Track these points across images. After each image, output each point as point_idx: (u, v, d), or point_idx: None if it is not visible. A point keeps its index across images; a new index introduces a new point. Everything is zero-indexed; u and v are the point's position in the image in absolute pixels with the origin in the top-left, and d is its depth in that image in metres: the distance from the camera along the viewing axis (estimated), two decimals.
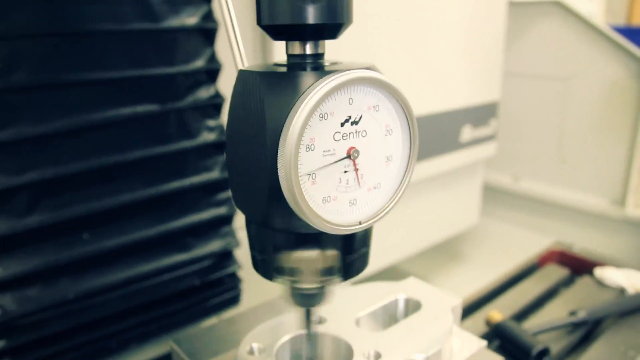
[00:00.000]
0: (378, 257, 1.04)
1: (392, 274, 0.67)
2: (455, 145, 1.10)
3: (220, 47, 0.70)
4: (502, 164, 1.53)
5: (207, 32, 0.69)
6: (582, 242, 1.06)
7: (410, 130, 0.39)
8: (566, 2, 1.33)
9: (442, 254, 1.29)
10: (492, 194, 1.53)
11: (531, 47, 1.43)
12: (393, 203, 0.40)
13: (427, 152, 1.02)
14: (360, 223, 0.38)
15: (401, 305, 0.55)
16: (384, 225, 1.01)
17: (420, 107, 0.98)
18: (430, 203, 1.13)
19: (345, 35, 0.80)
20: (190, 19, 0.67)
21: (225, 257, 0.76)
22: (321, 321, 0.50)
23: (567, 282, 0.93)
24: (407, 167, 0.39)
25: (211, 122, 0.71)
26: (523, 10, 1.40)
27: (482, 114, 1.15)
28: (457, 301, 0.53)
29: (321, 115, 0.36)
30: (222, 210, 0.73)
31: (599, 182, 1.37)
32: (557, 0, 1.35)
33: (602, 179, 1.36)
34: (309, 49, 0.39)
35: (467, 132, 1.12)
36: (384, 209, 0.39)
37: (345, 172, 0.37)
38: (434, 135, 1.03)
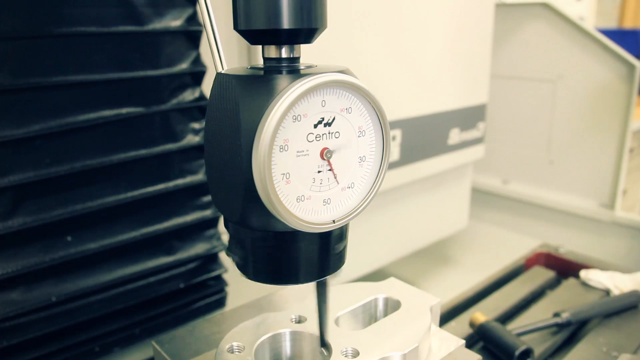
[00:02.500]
0: (367, 260, 1.04)
1: (380, 277, 0.67)
2: (444, 148, 1.10)
3: (205, 49, 0.70)
4: (491, 166, 1.54)
5: (191, 34, 0.69)
6: (572, 245, 1.06)
7: (383, 132, 0.39)
8: (554, 4, 1.35)
9: (431, 257, 1.29)
10: (482, 197, 1.54)
11: (519, 49, 1.44)
12: (367, 202, 0.40)
13: (415, 155, 1.03)
14: (334, 221, 0.39)
15: (381, 305, 0.56)
16: (372, 228, 1.02)
17: (408, 110, 0.99)
18: (419, 206, 1.14)
19: (333, 39, 0.81)
20: (175, 22, 0.67)
21: (211, 259, 0.76)
22: (301, 320, 0.51)
23: (553, 284, 0.94)
24: (380, 167, 0.40)
25: (196, 125, 0.71)
26: (511, 12, 1.42)
27: (470, 116, 1.15)
28: (436, 300, 0.54)
29: (294, 117, 0.36)
30: (207, 213, 0.73)
31: (588, 185, 1.38)
32: (545, 2, 1.36)
33: (591, 182, 1.37)
34: (284, 53, 0.40)
35: (455, 135, 1.13)
36: (358, 208, 0.40)
37: (319, 172, 0.38)
38: (422, 138, 1.04)
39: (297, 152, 0.37)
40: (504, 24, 1.38)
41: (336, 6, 0.81)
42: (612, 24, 3.12)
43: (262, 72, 0.38)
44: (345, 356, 0.46)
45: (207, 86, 0.71)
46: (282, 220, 0.37)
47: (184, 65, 0.69)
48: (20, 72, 0.57)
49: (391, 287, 0.57)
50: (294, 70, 0.38)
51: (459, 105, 1.11)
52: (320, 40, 0.41)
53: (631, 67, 1.25)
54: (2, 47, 0.55)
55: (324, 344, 0.46)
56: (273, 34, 0.38)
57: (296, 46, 0.40)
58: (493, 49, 1.18)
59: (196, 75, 0.71)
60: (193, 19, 0.68)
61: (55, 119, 0.60)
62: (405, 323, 0.50)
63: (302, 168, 0.37)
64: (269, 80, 0.36)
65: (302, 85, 0.35)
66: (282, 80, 0.36)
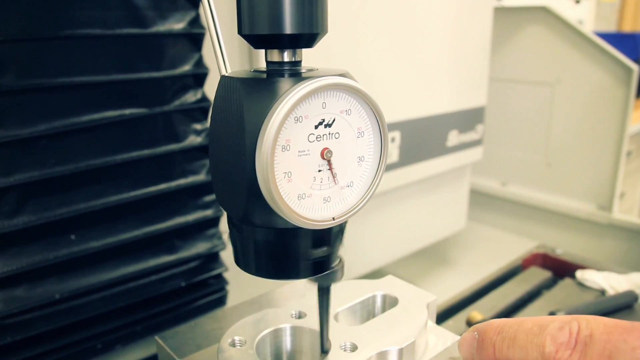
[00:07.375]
0: (366, 260, 1.05)
1: (379, 276, 0.69)
2: (442, 149, 1.12)
3: (207, 52, 0.72)
4: (489, 168, 1.55)
5: (194, 37, 0.70)
6: (570, 247, 1.07)
7: (381, 133, 0.41)
8: (553, 8, 1.36)
9: (430, 257, 1.30)
10: (480, 199, 1.55)
11: (518, 53, 1.45)
12: (365, 200, 0.41)
13: (414, 157, 1.04)
14: (334, 219, 0.40)
15: (379, 301, 0.57)
16: (372, 229, 1.03)
17: (408, 112, 1.00)
18: (417, 207, 1.15)
19: (335, 42, 0.82)
20: (178, 25, 0.68)
21: (212, 258, 0.77)
22: (301, 316, 0.52)
23: (549, 284, 0.95)
24: (378, 167, 0.41)
25: (198, 126, 0.72)
26: (509, 16, 1.43)
27: (469, 119, 1.17)
28: (432, 297, 0.55)
29: (296, 118, 0.37)
30: (208, 213, 0.75)
31: (586, 187, 1.39)
32: (544, 6, 1.37)
33: (589, 184, 1.38)
34: (286, 57, 0.41)
35: (454, 137, 1.14)
36: (357, 206, 0.41)
37: (319, 171, 0.39)
38: (421, 140, 1.05)
39: (299, 152, 0.38)
40: (502, 27, 1.39)
41: (337, 10, 0.82)
42: (611, 27, 3.14)
43: (265, 75, 0.39)
44: (344, 350, 0.47)
45: (209, 88, 0.73)
46: (283, 217, 0.38)
47: (186, 67, 0.70)
48: (26, 74, 0.58)
49: (389, 285, 0.58)
50: (295, 73, 0.39)
51: (457, 108, 1.12)
52: (322, 43, 0.43)
53: (629, 71, 1.26)
54: (8, 49, 0.57)
55: (324, 349, 0.48)
56: (276, 39, 0.39)
57: (298, 50, 0.41)
58: (492, 52, 1.19)
59: (198, 77, 0.72)
60: (196, 21, 0.69)
61: (60, 120, 0.61)
62: (403, 319, 0.51)
63: (303, 167, 0.38)
64: (271, 83, 0.38)
65: (303, 88, 0.36)
66: (285, 83, 0.37)
